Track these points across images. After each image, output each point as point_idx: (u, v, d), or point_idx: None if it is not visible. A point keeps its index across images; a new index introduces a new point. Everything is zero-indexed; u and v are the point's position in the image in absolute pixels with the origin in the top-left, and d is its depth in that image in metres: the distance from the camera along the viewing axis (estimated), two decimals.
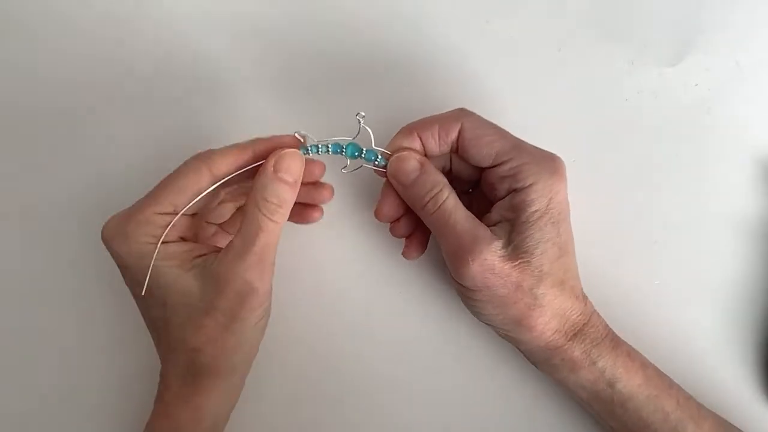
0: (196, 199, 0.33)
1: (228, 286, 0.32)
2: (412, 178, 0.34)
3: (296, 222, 0.39)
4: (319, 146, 0.35)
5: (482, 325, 0.37)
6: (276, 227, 0.32)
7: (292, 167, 0.33)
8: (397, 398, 0.41)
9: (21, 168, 0.43)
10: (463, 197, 0.39)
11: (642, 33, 0.43)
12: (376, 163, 0.35)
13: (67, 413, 0.41)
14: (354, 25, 0.43)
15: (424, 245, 0.38)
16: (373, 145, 0.35)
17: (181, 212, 0.33)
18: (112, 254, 0.33)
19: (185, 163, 0.33)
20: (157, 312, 0.33)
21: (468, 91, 0.43)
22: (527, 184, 0.33)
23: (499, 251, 0.32)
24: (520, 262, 0.32)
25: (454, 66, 0.43)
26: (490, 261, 0.32)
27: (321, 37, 0.44)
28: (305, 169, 0.34)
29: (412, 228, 0.37)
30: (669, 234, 0.41)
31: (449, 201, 0.34)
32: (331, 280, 0.42)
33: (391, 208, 0.36)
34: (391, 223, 0.38)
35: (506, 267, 0.32)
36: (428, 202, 0.34)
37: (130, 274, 0.33)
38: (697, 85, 0.42)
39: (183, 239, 0.35)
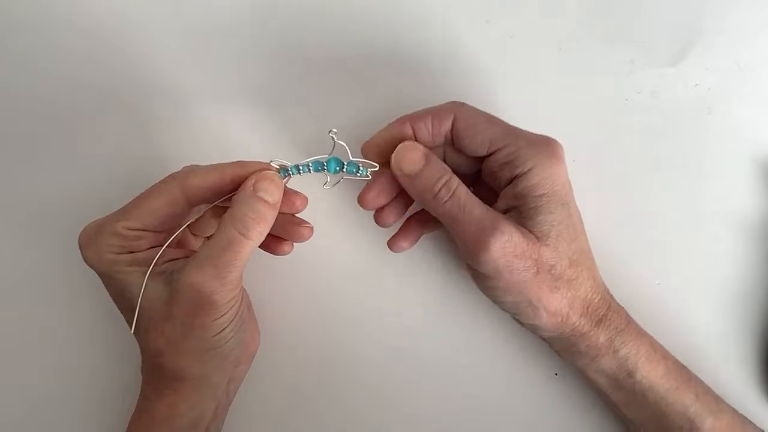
0: (170, 240, 0.34)
1: (184, 294, 0.31)
2: (420, 167, 0.33)
3: (264, 250, 0.38)
4: (300, 167, 0.34)
5: (484, 319, 0.37)
6: (248, 245, 0.32)
7: (270, 189, 0.32)
8: (398, 395, 0.41)
9: (17, 169, 0.43)
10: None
11: (642, 33, 0.43)
12: (359, 174, 0.35)
13: (63, 408, 0.41)
14: (350, 24, 0.43)
15: (414, 238, 0.38)
16: (351, 157, 0.35)
17: (163, 247, 0.33)
18: (84, 260, 0.33)
19: (162, 182, 0.33)
20: (129, 315, 0.34)
21: (467, 91, 0.43)
22: (527, 169, 0.32)
23: (518, 229, 0.32)
24: (539, 245, 0.32)
25: (454, 66, 0.43)
26: (512, 241, 0.32)
27: (316, 37, 0.43)
28: (286, 198, 0.34)
29: (399, 215, 0.37)
30: (669, 234, 0.41)
31: (460, 188, 0.33)
32: (327, 278, 0.42)
33: (377, 193, 0.36)
34: (377, 211, 0.37)
35: (527, 247, 0.32)
36: (440, 190, 0.33)
37: (103, 279, 0.34)
38: (697, 85, 0.42)
39: (154, 247, 0.34)
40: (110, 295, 0.35)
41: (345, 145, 0.35)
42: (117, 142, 0.43)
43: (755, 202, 0.41)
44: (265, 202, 0.32)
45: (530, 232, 0.32)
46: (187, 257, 0.33)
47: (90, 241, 0.33)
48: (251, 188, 0.32)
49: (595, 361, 0.35)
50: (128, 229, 0.32)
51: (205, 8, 0.44)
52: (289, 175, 0.34)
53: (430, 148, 0.35)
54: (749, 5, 0.43)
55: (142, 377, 0.36)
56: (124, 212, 0.33)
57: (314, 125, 0.43)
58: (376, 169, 0.35)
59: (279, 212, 0.34)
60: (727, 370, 0.40)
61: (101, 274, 0.34)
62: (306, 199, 0.36)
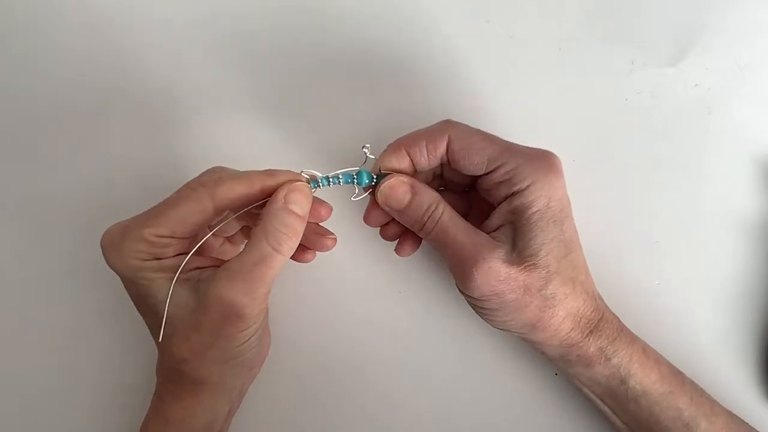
0: (195, 247, 0.33)
1: (213, 306, 0.31)
2: (406, 202, 0.34)
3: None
4: (330, 178, 0.34)
5: (484, 324, 0.37)
6: (280, 259, 0.31)
7: (300, 200, 0.32)
8: (400, 394, 0.41)
9: (21, 167, 0.43)
10: (461, 199, 0.39)
11: (642, 33, 0.43)
12: (372, 184, 0.35)
13: (67, 408, 0.41)
14: (351, 25, 0.43)
15: (417, 243, 0.38)
16: (381, 171, 0.35)
17: (189, 254, 0.33)
18: (107, 263, 0.33)
19: (191, 188, 0.32)
20: (150, 319, 0.34)
21: (467, 91, 0.43)
22: (524, 186, 0.32)
23: (502, 256, 0.32)
24: (526, 265, 0.32)
25: (454, 66, 0.43)
26: (494, 268, 0.32)
27: (314, 37, 0.43)
28: (312, 208, 0.34)
29: (402, 229, 0.37)
30: (669, 234, 0.41)
31: (445, 215, 0.34)
32: (330, 281, 0.42)
33: (379, 214, 0.36)
34: (382, 227, 0.38)
35: (512, 272, 0.32)
36: (426, 221, 0.34)
37: (125, 283, 0.33)
38: (697, 85, 0.42)
39: (180, 254, 0.34)
40: (131, 298, 0.34)
41: (375, 159, 0.35)
42: (121, 143, 0.43)
43: (755, 202, 0.41)
44: (296, 215, 0.32)
45: (520, 249, 0.32)
46: (214, 265, 0.33)
47: (114, 245, 0.32)
48: (282, 200, 0.32)
49: (587, 369, 0.35)
50: (156, 236, 0.31)
51: (211, 10, 0.44)
52: (318, 186, 0.34)
53: (427, 170, 0.36)
54: (749, 5, 0.43)
55: (157, 378, 0.35)
56: (151, 218, 0.32)
57: (319, 129, 0.43)
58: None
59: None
60: (727, 370, 0.40)
61: (124, 278, 0.33)
62: (331, 208, 0.36)
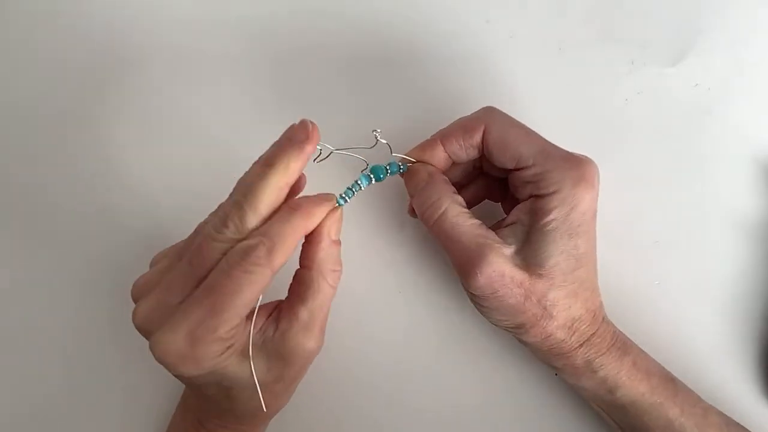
0: (254, 316, 0.32)
1: (296, 359, 0.32)
2: (419, 190, 0.34)
3: None
4: (353, 189, 0.34)
5: (484, 323, 0.37)
6: (334, 293, 0.32)
7: (339, 228, 0.32)
8: (399, 394, 0.41)
9: (22, 170, 0.43)
10: (499, 184, 0.38)
11: (642, 33, 0.43)
12: (401, 171, 0.36)
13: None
14: (349, 25, 0.43)
15: None
16: (392, 154, 0.35)
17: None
18: (175, 374, 0.30)
19: (248, 273, 0.28)
20: (220, 392, 0.32)
21: (467, 90, 0.43)
22: (549, 192, 0.32)
23: (507, 257, 0.32)
24: (529, 273, 0.32)
25: (453, 66, 0.43)
26: (498, 269, 0.32)
27: (317, 38, 0.44)
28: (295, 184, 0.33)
29: None
30: (669, 234, 0.41)
31: (449, 211, 0.33)
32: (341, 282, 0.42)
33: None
34: None
35: (516, 275, 0.32)
36: (425, 212, 0.34)
37: (194, 381, 0.31)
38: (697, 85, 0.42)
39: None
40: (191, 386, 0.33)
41: (387, 143, 0.35)
42: (123, 146, 0.43)
43: (755, 202, 0.41)
44: (338, 243, 0.32)
45: (527, 256, 0.32)
46: (271, 316, 0.32)
47: (186, 357, 0.29)
48: (329, 238, 0.31)
49: (574, 378, 0.35)
50: (230, 330, 0.29)
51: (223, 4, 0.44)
52: (346, 199, 0.33)
53: (465, 160, 0.36)
54: (749, 5, 0.43)
55: (203, 419, 0.35)
56: (217, 314, 0.28)
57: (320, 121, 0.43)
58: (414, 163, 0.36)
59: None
60: (726, 369, 0.40)
61: (196, 378, 0.30)
62: (306, 180, 0.34)
